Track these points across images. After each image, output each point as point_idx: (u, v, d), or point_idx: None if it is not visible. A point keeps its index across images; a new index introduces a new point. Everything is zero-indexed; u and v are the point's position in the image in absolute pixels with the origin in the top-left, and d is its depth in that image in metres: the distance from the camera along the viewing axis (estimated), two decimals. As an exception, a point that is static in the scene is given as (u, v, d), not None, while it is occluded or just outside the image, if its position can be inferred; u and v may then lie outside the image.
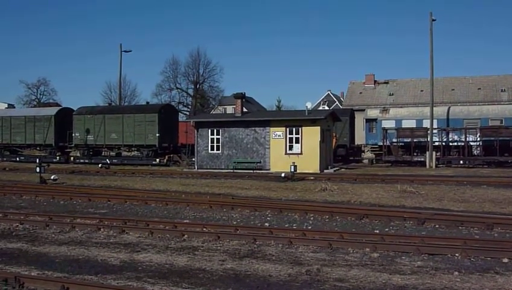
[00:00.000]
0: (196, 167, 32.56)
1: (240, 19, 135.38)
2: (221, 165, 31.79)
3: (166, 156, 37.05)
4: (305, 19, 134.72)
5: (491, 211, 14.82)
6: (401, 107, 45.19)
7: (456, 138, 36.24)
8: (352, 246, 9.81)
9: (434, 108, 36.22)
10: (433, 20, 35.20)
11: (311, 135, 30.02)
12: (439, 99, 47.26)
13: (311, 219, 13.52)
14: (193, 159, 34.22)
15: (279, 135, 30.68)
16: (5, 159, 41.31)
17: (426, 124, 36.33)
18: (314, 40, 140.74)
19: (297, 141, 30.36)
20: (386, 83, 55.22)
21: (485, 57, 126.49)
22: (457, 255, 9.02)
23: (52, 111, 42.47)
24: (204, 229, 11.74)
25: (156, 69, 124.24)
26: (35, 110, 50.03)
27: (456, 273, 8.00)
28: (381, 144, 37.71)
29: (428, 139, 34.65)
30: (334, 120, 35.08)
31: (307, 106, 32.36)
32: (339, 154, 39.32)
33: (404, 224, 12.53)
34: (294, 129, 30.47)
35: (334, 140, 37.45)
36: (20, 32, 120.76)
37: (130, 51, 48.01)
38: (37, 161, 26.67)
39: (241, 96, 33.49)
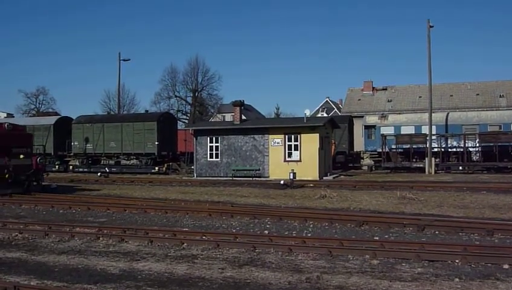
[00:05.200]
0: (195, 174, 32.53)
1: (238, 27, 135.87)
2: (220, 173, 31.77)
3: (165, 164, 37.03)
4: (303, 27, 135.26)
5: (491, 217, 14.81)
6: (399, 113, 45.27)
7: (455, 144, 36.30)
8: (352, 253, 9.78)
9: (433, 114, 36.30)
10: (431, 26, 35.34)
11: (310, 142, 30.03)
12: (438, 105, 47.35)
13: (311, 226, 13.49)
14: (192, 167, 34.21)
15: (278, 142, 30.69)
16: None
17: (425, 130, 36.38)
18: (313, 48, 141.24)
19: (296, 148, 30.37)
20: (385, 89, 55.36)
21: (483, 62, 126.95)
22: (457, 261, 8.99)
23: (51, 120, 42.46)
24: (204, 237, 11.71)
25: (154, 78, 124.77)
26: (34, 119, 50.04)
27: (457, 279, 7.98)
28: (380, 150, 37.73)
29: (427, 146, 34.68)
30: (332, 127, 35.12)
31: (305, 113, 32.43)
32: (338, 161, 39.32)
33: (404, 230, 12.51)
34: (293, 136, 30.49)
35: (333, 147, 37.47)
36: (18, 41, 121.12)
37: (129, 60, 48.17)
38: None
39: (239, 104, 33.56)
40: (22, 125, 27.08)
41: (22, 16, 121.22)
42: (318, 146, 30.10)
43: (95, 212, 16.87)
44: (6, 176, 21.33)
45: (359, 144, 42.47)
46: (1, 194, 20.77)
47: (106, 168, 36.92)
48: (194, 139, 32.97)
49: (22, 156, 22.17)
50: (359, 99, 54.95)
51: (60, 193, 23.31)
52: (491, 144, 33.88)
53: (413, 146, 36.15)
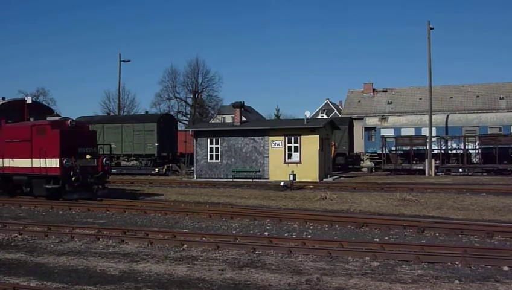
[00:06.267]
0: (195, 176, 32.52)
1: (238, 28, 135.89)
2: (220, 174, 31.77)
3: (165, 166, 37.04)
4: (303, 27, 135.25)
5: (490, 219, 14.82)
6: (399, 115, 45.29)
7: (455, 145, 36.32)
8: (352, 254, 9.77)
9: (433, 116, 36.32)
10: (431, 28, 35.38)
11: (310, 144, 30.04)
12: (438, 107, 47.39)
13: (311, 227, 13.48)
14: (192, 169, 34.20)
15: (278, 144, 30.70)
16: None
17: (425, 132, 36.40)
18: (313, 49, 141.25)
19: (296, 150, 30.38)
20: (385, 91, 55.40)
21: (483, 64, 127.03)
22: (457, 263, 8.98)
23: (51, 121, 42.37)
24: (204, 238, 11.70)
25: (154, 79, 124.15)
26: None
27: (457, 281, 7.97)
28: (380, 152, 37.75)
29: (427, 147, 34.69)
30: (332, 129, 35.13)
31: (305, 115, 32.45)
32: (338, 162, 39.34)
33: (403, 232, 12.50)
34: (293, 138, 30.51)
35: (333, 149, 37.48)
36: (18, 42, 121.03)
37: (129, 61, 48.16)
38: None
39: (239, 105, 33.56)
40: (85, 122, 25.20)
41: (22, 16, 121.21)
42: (318, 148, 30.10)
43: (94, 214, 16.85)
44: (73, 178, 18.87)
45: (359, 146, 42.48)
46: (67, 199, 19.06)
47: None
48: (194, 140, 32.97)
49: (88, 157, 19.76)
50: (359, 101, 54.98)
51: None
52: (491, 146, 33.92)
53: (413, 148, 36.17)
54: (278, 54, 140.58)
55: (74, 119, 21.34)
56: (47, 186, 19.18)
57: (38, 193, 19.77)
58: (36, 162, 19.23)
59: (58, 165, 18.78)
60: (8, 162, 20.20)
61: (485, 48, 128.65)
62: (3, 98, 21.73)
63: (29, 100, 21.60)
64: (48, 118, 20.99)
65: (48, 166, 18.95)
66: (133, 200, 20.51)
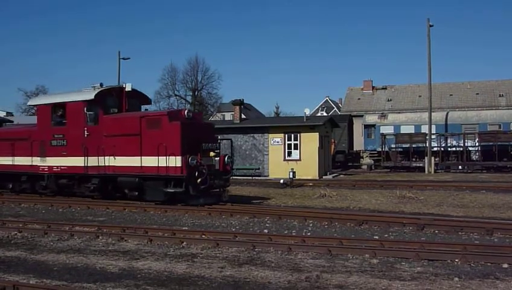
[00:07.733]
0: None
1: (238, 26, 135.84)
2: (219, 171, 31.73)
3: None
4: (303, 26, 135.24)
5: (490, 216, 14.82)
6: (399, 112, 45.30)
7: (454, 143, 36.35)
8: (352, 252, 9.77)
9: (432, 113, 36.31)
10: (431, 25, 35.35)
11: (310, 141, 30.05)
12: (438, 104, 47.38)
13: (310, 225, 13.48)
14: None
15: (277, 142, 30.70)
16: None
17: (424, 129, 36.42)
18: (312, 47, 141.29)
19: (295, 147, 30.39)
20: (384, 88, 55.40)
21: (483, 62, 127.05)
22: (457, 260, 8.98)
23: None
24: (203, 236, 11.70)
25: (154, 76, 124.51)
26: (34, 118, 49.85)
27: (456, 279, 7.97)
28: (380, 149, 37.77)
29: (427, 145, 34.69)
30: (332, 126, 35.13)
31: (305, 112, 32.44)
32: (338, 160, 39.37)
33: (403, 230, 12.50)
34: (292, 135, 30.52)
35: (333, 146, 37.48)
36: (18, 40, 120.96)
37: (129, 58, 47.99)
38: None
39: (239, 103, 33.55)
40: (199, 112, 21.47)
41: (21, 15, 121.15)
42: (318, 145, 30.10)
43: (94, 211, 16.83)
44: (199, 180, 15.79)
45: (359, 143, 42.52)
46: (191, 205, 16.18)
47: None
48: (194, 138, 32.92)
49: (212, 154, 16.70)
50: (359, 99, 54.96)
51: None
52: (491, 144, 33.94)
53: (413, 145, 36.20)
54: (278, 51, 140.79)
55: (190, 109, 18.56)
56: (167, 190, 16.08)
57: (152, 198, 16.76)
58: (149, 161, 16.24)
59: (181, 165, 15.62)
60: (108, 161, 17.25)
61: (485, 45, 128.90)
62: (101, 85, 18.66)
63: (128, 87, 18.47)
64: (144, 108, 19.24)
65: (168, 165, 15.81)
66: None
